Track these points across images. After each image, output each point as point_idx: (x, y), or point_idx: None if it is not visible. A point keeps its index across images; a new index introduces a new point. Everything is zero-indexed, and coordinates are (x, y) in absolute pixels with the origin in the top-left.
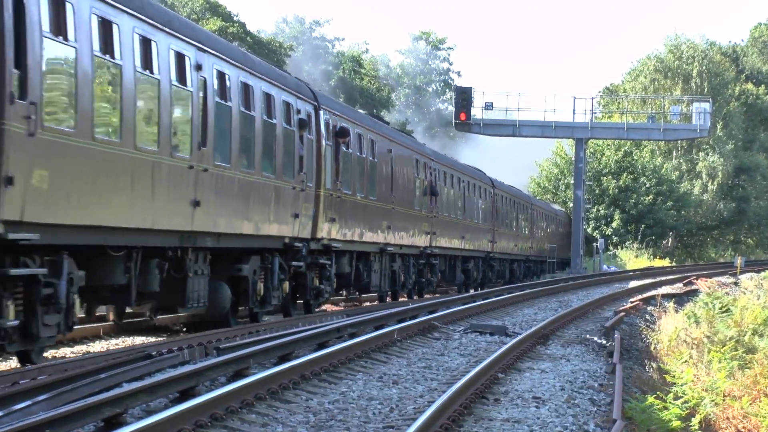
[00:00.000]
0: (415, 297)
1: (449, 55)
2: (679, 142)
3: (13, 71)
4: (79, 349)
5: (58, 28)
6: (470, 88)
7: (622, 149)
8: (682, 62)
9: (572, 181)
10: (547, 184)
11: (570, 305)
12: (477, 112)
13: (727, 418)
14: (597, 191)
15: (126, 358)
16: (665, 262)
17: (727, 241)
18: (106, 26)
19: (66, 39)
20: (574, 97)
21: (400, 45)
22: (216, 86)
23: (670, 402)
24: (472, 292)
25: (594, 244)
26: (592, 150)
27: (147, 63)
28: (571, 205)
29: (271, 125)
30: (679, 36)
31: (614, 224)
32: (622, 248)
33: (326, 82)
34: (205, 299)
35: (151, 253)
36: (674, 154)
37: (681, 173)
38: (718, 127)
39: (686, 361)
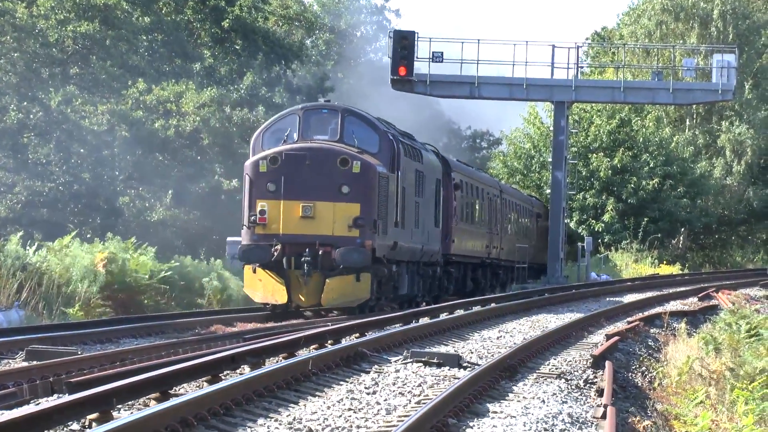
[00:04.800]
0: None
1: None
2: (694, 107)
3: (455, 212)
4: None
5: (466, 193)
6: (413, 33)
7: (618, 117)
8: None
9: (550, 160)
10: (516, 163)
11: (546, 326)
12: (422, 65)
13: None
14: (584, 173)
15: None
16: (674, 269)
17: (757, 241)
18: (474, 190)
19: (468, 195)
20: (554, 46)
21: None
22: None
23: None
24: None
25: (579, 244)
26: (577, 117)
27: (485, 198)
28: (548, 191)
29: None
30: None
31: (606, 217)
32: (616, 249)
33: (216, 24)
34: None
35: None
36: (688, 123)
37: (697, 149)
38: (747, 87)
39: (702, 401)
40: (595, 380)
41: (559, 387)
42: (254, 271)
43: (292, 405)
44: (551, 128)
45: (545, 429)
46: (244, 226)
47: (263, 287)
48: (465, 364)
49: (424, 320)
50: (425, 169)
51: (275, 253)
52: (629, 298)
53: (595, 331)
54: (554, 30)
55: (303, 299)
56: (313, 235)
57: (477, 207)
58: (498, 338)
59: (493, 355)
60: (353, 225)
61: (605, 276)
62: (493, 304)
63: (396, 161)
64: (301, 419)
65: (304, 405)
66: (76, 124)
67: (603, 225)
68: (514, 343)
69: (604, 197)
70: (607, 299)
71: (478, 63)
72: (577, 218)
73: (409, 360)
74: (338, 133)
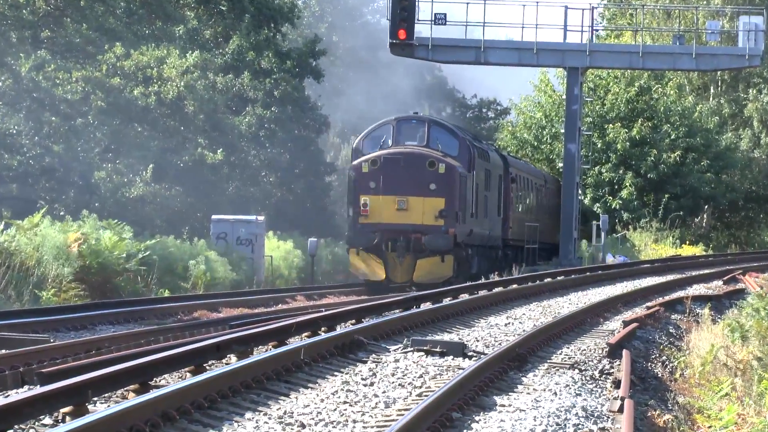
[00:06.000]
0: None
1: None
2: (719, 73)
3: (512, 202)
4: None
5: (518, 184)
6: None
7: (636, 84)
8: None
9: (562, 131)
10: (525, 135)
11: (558, 312)
12: (423, 28)
13: None
14: (599, 145)
15: None
16: (698, 249)
17: None
18: (524, 181)
19: (520, 186)
20: (566, 8)
21: None
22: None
23: None
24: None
25: (594, 222)
26: (592, 85)
27: (533, 188)
28: (561, 165)
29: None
30: None
31: (624, 193)
32: (634, 229)
33: None
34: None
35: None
36: (712, 91)
37: (722, 119)
38: None
39: (727, 394)
40: (612, 371)
41: (573, 378)
42: (358, 253)
43: (282, 398)
44: (564, 96)
45: (557, 423)
46: (350, 217)
47: (365, 266)
48: (470, 353)
49: (426, 305)
50: (491, 167)
51: (375, 239)
52: (648, 281)
53: (612, 318)
54: None
55: (398, 276)
56: (406, 224)
57: (528, 197)
58: (506, 325)
59: (500, 344)
60: (439, 216)
61: (622, 257)
62: (500, 288)
63: (472, 162)
64: (292, 413)
65: (296, 398)
66: (47, 92)
67: (620, 202)
68: (524, 331)
69: (621, 172)
70: (625, 282)
71: (484, 25)
72: (592, 195)
73: (409, 349)
74: (425, 140)
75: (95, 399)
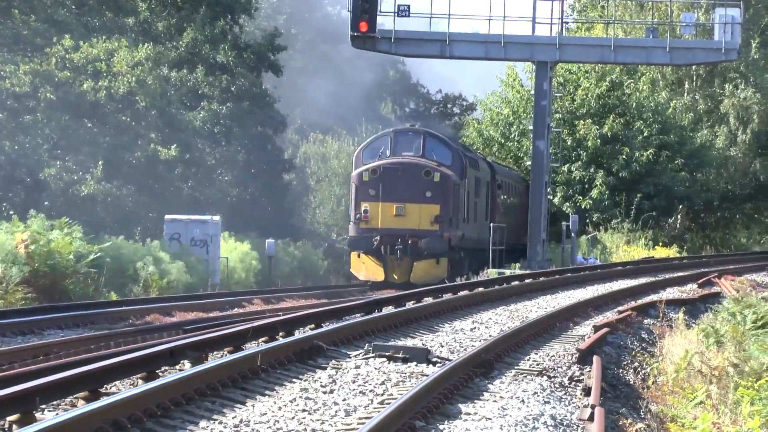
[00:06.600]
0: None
1: None
2: (694, 68)
3: (499, 207)
4: None
5: (503, 190)
6: None
7: (608, 79)
8: None
9: (530, 127)
10: (492, 132)
11: (526, 317)
12: (386, 20)
13: None
14: (569, 142)
15: None
16: (671, 251)
17: (765, 220)
18: (508, 186)
19: (504, 191)
20: None
21: None
22: (516, 193)
23: None
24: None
25: (563, 223)
26: (561, 79)
27: (516, 193)
28: (529, 163)
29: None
30: None
31: (594, 193)
32: (606, 230)
33: None
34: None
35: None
36: (687, 86)
37: (697, 116)
38: (753, 45)
39: (702, 401)
40: (582, 377)
41: (541, 385)
42: (359, 256)
43: (238, 405)
44: (532, 92)
45: None
46: (351, 222)
47: (365, 268)
48: (434, 360)
49: (388, 309)
50: (481, 175)
51: (375, 243)
52: (620, 284)
53: (582, 322)
54: None
55: (396, 277)
56: (404, 228)
57: (511, 202)
58: (472, 330)
59: (466, 349)
60: (434, 221)
61: (593, 259)
62: (465, 291)
63: (464, 171)
64: (248, 421)
65: (252, 405)
66: None
67: (591, 202)
68: (490, 336)
69: (592, 170)
70: (595, 286)
71: (449, 18)
72: (562, 194)
73: (371, 354)
74: (421, 150)
75: (43, 407)
